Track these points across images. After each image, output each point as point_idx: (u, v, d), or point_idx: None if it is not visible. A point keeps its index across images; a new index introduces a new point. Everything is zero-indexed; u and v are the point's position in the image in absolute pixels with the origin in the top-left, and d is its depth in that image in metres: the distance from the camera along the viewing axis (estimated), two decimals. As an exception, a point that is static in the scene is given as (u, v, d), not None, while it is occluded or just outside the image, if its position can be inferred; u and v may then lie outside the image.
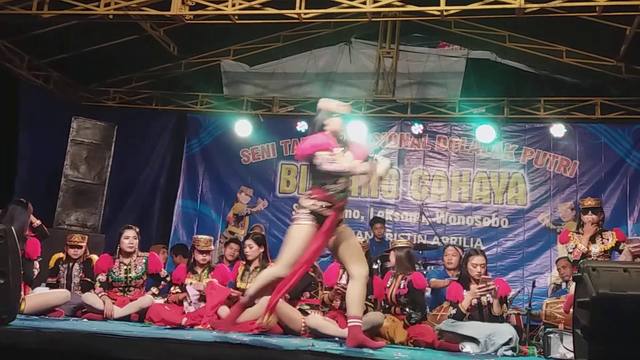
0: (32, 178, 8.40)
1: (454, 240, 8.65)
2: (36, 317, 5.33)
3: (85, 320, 5.62)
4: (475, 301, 5.15)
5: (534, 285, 6.45)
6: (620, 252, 5.40)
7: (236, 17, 6.60)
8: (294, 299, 5.77)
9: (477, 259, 5.34)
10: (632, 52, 7.68)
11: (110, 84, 9.60)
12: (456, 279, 5.51)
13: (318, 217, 4.01)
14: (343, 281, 5.54)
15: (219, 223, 9.36)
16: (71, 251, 6.38)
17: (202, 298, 5.94)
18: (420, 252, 7.45)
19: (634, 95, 8.35)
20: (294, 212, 4.04)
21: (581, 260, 4.40)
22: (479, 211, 8.88)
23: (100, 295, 5.97)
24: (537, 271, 8.35)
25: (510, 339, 4.89)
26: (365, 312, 4.68)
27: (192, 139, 9.71)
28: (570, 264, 5.96)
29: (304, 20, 6.72)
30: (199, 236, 6.44)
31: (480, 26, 8.55)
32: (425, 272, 6.77)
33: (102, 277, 6.11)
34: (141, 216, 9.15)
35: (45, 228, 6.32)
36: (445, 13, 6.21)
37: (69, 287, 6.24)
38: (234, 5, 6.41)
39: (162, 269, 6.40)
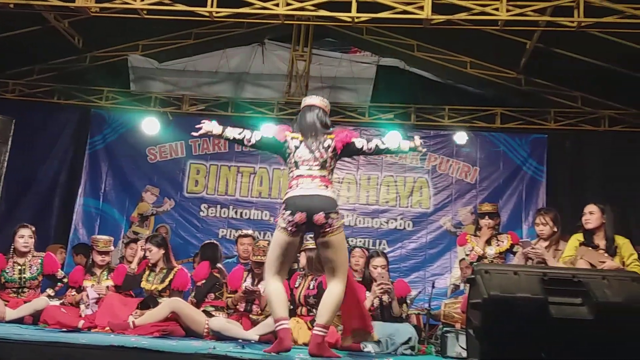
0: None
1: (360, 242, 8.79)
2: None
3: (-26, 323, 5.32)
4: (376, 302, 5.26)
5: (433, 286, 6.69)
6: (514, 254, 5.67)
7: (145, 12, 6.43)
8: (199, 302, 5.69)
9: (378, 261, 5.50)
10: (531, 65, 8.10)
11: (10, 76, 9.08)
12: (360, 279, 5.60)
13: None
14: (247, 283, 5.53)
15: (122, 223, 9.06)
16: (-39, 250, 6.02)
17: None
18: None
19: (532, 106, 8.79)
20: (333, 219, 3.96)
21: (474, 263, 4.60)
22: (385, 214, 9.08)
23: (-9, 297, 5.67)
24: (438, 272, 8.62)
25: (410, 339, 5.05)
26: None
27: (95, 135, 9.34)
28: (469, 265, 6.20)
29: (215, 19, 6.65)
30: (98, 236, 6.27)
31: (391, 34, 8.76)
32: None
33: (-6, 278, 5.81)
34: (39, 214, 8.73)
35: None
36: (356, 20, 6.31)
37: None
38: (142, -1, 6.25)
39: (59, 269, 6.17)
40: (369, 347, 4.89)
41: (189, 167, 9.35)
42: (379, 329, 4.95)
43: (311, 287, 5.48)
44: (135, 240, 6.90)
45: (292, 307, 5.51)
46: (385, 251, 7.78)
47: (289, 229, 4.02)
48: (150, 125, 9.00)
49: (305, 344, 5.04)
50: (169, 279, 5.71)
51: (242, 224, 8.86)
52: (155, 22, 7.02)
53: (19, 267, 5.91)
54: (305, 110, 4.32)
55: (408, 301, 5.72)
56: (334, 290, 4.01)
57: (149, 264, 5.84)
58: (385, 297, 5.34)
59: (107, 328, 5.23)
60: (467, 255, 5.96)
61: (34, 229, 6.11)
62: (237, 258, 6.65)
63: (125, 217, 9.12)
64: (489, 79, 8.72)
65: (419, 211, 9.04)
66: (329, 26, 8.49)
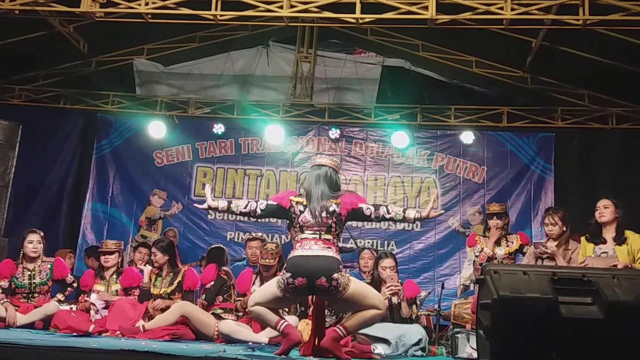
0: None
1: (369, 243, 8.78)
2: None
3: (-15, 329, 5.35)
4: (386, 303, 5.24)
5: (443, 287, 6.65)
6: (524, 254, 5.64)
7: (149, 16, 6.45)
8: (210, 304, 5.69)
9: (387, 262, 5.50)
10: (537, 64, 8.08)
11: (16, 82, 9.12)
12: (369, 281, 5.60)
13: None
14: (256, 287, 5.53)
15: (130, 227, 9.08)
16: (-29, 256, 6.06)
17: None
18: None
19: (539, 104, 8.77)
20: (337, 279, 3.95)
21: (484, 263, 4.58)
22: (393, 215, 9.04)
23: (2, 302, 5.70)
24: (447, 273, 8.59)
25: (420, 340, 5.03)
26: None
27: (102, 139, 9.36)
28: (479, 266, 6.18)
29: (220, 22, 6.66)
30: (107, 240, 6.31)
31: (395, 35, 8.76)
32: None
33: (4, 284, 5.86)
34: (47, 219, 8.76)
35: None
36: (360, 21, 6.31)
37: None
38: (147, 3, 6.25)
39: (69, 274, 6.20)
40: (379, 348, 4.88)
41: (196, 171, 9.36)
42: (389, 330, 4.94)
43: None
44: (144, 244, 6.92)
45: (303, 308, 5.52)
46: (393, 252, 7.78)
47: (287, 291, 4.02)
48: (156, 129, 9.01)
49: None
50: (177, 281, 5.74)
51: (250, 227, 8.86)
52: (160, 26, 7.05)
53: (29, 273, 5.94)
54: (313, 170, 4.32)
55: (418, 302, 5.71)
56: (373, 311, 4.06)
57: (155, 268, 5.86)
58: (394, 299, 5.34)
59: (118, 332, 5.25)
60: (476, 256, 5.94)
61: (42, 234, 6.14)
62: (247, 261, 6.65)
63: (133, 221, 9.14)
64: (495, 78, 8.71)
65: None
66: (334, 27, 8.49)
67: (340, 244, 4.22)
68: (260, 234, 6.93)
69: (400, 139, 8.90)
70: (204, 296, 5.64)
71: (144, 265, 6.12)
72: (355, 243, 8.12)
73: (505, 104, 8.84)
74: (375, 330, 4.86)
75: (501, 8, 5.98)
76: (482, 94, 9.08)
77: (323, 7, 6.28)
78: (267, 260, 5.54)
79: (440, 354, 5.33)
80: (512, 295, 2.75)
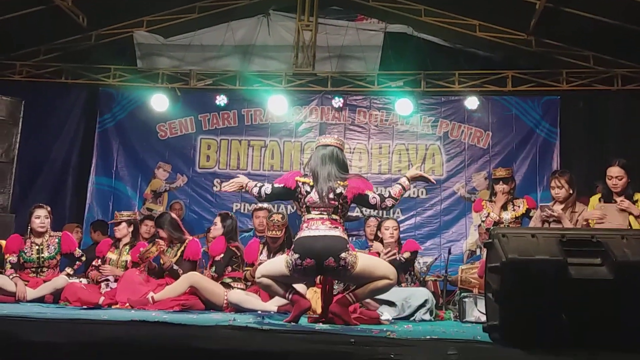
0: None
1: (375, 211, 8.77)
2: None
3: (-4, 303, 5.40)
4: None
5: (449, 253, 6.69)
6: (530, 218, 5.64)
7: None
8: (220, 276, 5.72)
9: (388, 223, 5.59)
10: (541, 26, 7.97)
11: (16, 57, 9.06)
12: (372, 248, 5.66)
13: None
14: (263, 257, 5.56)
15: (135, 200, 9.10)
16: (-22, 231, 6.10)
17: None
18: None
19: (543, 67, 8.67)
20: (345, 259, 3.95)
21: (492, 227, 4.58)
22: (398, 182, 9.04)
23: (11, 277, 5.74)
24: (453, 239, 8.61)
25: (426, 300, 5.08)
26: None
27: (104, 113, 9.34)
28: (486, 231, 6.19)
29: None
30: (122, 212, 6.40)
31: (397, 0, 8.64)
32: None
33: (12, 258, 5.89)
34: (53, 194, 8.80)
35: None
36: (362, -15, 6.22)
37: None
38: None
39: (77, 248, 6.24)
40: (385, 312, 4.92)
41: (200, 143, 9.35)
42: (395, 293, 4.97)
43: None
44: (150, 217, 6.95)
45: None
46: (399, 219, 7.82)
47: (296, 271, 4.04)
48: (159, 101, 8.98)
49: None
50: (180, 251, 5.84)
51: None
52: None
53: (37, 247, 5.98)
54: (319, 150, 4.28)
55: (421, 263, 5.74)
56: (384, 281, 4.07)
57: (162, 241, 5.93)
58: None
59: (127, 304, 5.30)
60: (482, 221, 5.95)
61: (49, 209, 6.16)
62: (254, 232, 6.67)
63: (138, 194, 9.17)
64: (499, 41, 8.61)
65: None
66: (334, -6, 8.39)
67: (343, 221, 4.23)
68: (266, 205, 6.94)
69: (404, 106, 8.84)
70: (214, 268, 5.66)
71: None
72: (361, 211, 8.14)
73: (510, 68, 8.74)
74: (381, 293, 4.91)
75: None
76: (486, 58, 8.99)
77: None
78: (273, 231, 5.56)
79: (448, 318, 5.38)
80: (520, 258, 2.74)
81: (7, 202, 7.91)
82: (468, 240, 8.46)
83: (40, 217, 6.01)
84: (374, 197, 4.19)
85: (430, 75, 8.87)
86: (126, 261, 6.05)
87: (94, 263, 6.21)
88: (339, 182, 4.11)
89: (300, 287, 4.74)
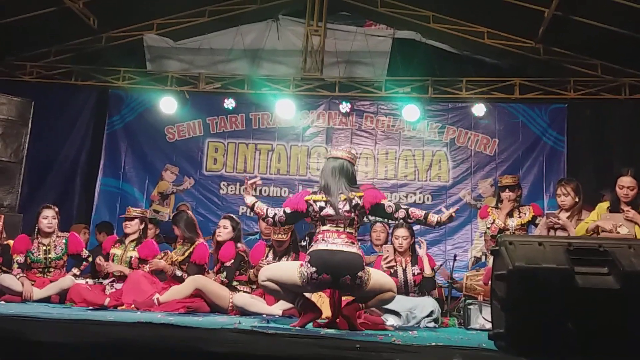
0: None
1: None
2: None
3: (3, 302, 5.43)
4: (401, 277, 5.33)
5: (455, 259, 6.68)
6: (536, 225, 5.63)
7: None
8: (231, 281, 5.71)
9: (398, 232, 5.56)
10: (550, 34, 7.98)
11: (27, 58, 9.14)
12: (381, 254, 5.64)
13: None
14: (269, 259, 5.57)
15: (142, 202, 9.11)
16: (-14, 231, 6.13)
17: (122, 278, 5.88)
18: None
19: (551, 75, 8.66)
20: (361, 277, 3.99)
21: (499, 235, 4.58)
22: (404, 188, 9.06)
23: (18, 276, 5.77)
24: (459, 245, 8.60)
25: (432, 311, 5.07)
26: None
27: (113, 115, 9.39)
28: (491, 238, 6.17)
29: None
30: (131, 208, 6.42)
31: (406, 6, 8.67)
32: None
33: (20, 259, 5.92)
34: (61, 195, 8.84)
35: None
36: (371, -9, 6.24)
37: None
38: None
39: (83, 249, 6.26)
40: (391, 321, 4.92)
41: (207, 146, 9.37)
42: (400, 303, 4.97)
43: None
44: (152, 220, 7.00)
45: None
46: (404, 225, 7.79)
47: (309, 284, 4.04)
48: (167, 104, 9.02)
49: (329, 318, 5.10)
50: (188, 252, 5.84)
51: (261, 201, 8.85)
52: (169, 0, 7.01)
53: (44, 248, 6.00)
54: (329, 162, 4.29)
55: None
56: (389, 293, 4.16)
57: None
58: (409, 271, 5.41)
59: (133, 305, 5.32)
60: (487, 228, 5.93)
61: (57, 209, 6.19)
62: (260, 235, 6.68)
63: (145, 196, 9.20)
64: (507, 49, 8.61)
65: (438, 185, 9.01)
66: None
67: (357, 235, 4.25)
68: (272, 208, 6.92)
69: (411, 112, 8.84)
70: (224, 274, 5.65)
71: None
72: (367, 216, 8.12)
73: (517, 75, 8.74)
74: (387, 302, 4.92)
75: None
76: (493, 65, 9.00)
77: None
78: (279, 235, 5.56)
79: (453, 325, 5.37)
80: (527, 266, 2.74)
81: (15, 202, 7.95)
82: (473, 246, 8.45)
83: (48, 218, 6.04)
84: (389, 206, 4.22)
85: (438, 82, 8.88)
86: (131, 257, 6.01)
87: (97, 260, 6.21)
88: (353, 193, 4.12)
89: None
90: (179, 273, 5.73)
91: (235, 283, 5.67)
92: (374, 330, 4.30)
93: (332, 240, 4.04)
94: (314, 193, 4.22)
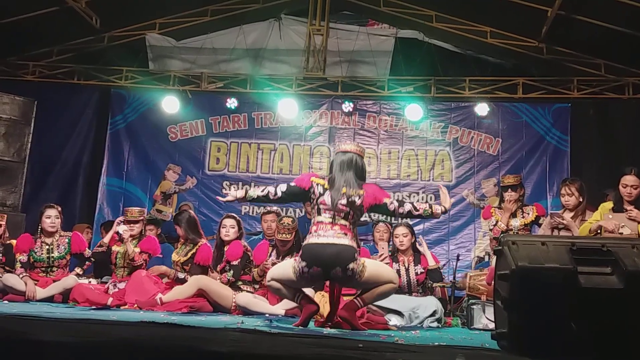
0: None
1: (383, 216, 8.77)
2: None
3: (6, 302, 5.44)
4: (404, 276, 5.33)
5: (458, 258, 6.67)
6: (540, 225, 5.62)
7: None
8: (236, 281, 5.71)
9: (398, 230, 5.57)
10: (553, 34, 7.95)
11: (30, 58, 9.15)
12: (390, 253, 5.66)
13: None
14: (272, 258, 5.57)
15: (145, 201, 9.12)
16: (-11, 230, 6.14)
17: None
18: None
19: (554, 75, 8.65)
20: (353, 269, 3.96)
21: (501, 235, 4.57)
22: (406, 188, 9.05)
23: (21, 276, 5.78)
24: (461, 245, 8.59)
25: (435, 311, 5.07)
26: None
27: (116, 115, 9.39)
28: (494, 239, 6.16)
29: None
30: (131, 208, 6.40)
31: (408, 5, 8.65)
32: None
33: (22, 258, 5.93)
34: (64, 194, 8.84)
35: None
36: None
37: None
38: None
39: (86, 248, 6.26)
40: (394, 321, 4.91)
41: (210, 145, 9.38)
42: (403, 302, 4.97)
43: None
44: (152, 221, 7.00)
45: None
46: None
47: (303, 278, 4.05)
48: (170, 103, 9.02)
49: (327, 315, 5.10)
50: (191, 253, 5.84)
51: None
52: (171, 0, 7.00)
53: (47, 247, 6.01)
54: (338, 156, 4.29)
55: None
56: (388, 285, 4.09)
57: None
58: (412, 270, 5.41)
59: (136, 305, 5.32)
60: (490, 229, 5.93)
61: (60, 209, 6.20)
62: (263, 235, 6.68)
63: (148, 196, 9.20)
64: (510, 48, 8.59)
65: (440, 184, 8.97)
66: (345, -1, 8.41)
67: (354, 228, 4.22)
68: (275, 208, 6.94)
69: (414, 111, 8.83)
70: (231, 272, 5.65)
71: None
72: (369, 216, 8.13)
73: (521, 75, 8.72)
74: (389, 302, 4.88)
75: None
76: (496, 64, 8.98)
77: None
78: (283, 235, 5.56)
79: (456, 325, 5.36)
80: (530, 266, 2.74)
81: (18, 201, 7.97)
82: (476, 246, 8.44)
83: (51, 217, 6.05)
84: (391, 203, 4.20)
85: (441, 81, 8.86)
86: (133, 252, 6.02)
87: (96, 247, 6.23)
88: (357, 190, 4.11)
89: (308, 290, 4.75)
90: (181, 276, 5.75)
91: (239, 282, 5.68)
92: (376, 329, 4.30)
93: (324, 233, 4.04)
94: (322, 178, 4.23)
